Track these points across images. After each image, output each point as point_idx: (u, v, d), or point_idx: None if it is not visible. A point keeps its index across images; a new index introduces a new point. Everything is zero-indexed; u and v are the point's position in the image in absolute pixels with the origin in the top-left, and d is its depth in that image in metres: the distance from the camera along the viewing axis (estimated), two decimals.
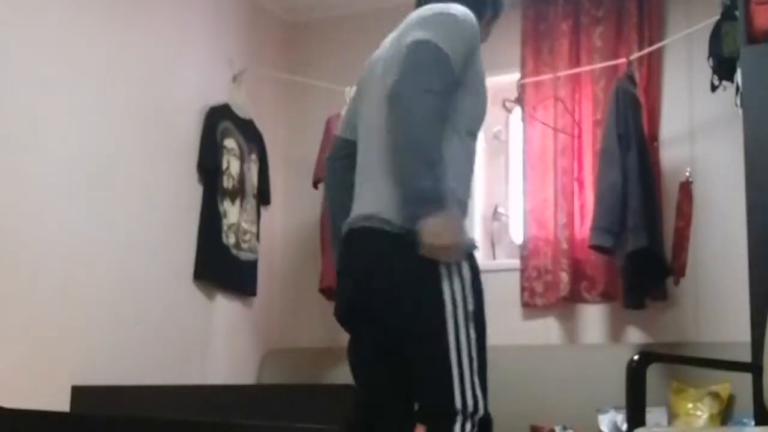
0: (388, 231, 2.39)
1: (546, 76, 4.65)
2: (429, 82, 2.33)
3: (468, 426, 2.35)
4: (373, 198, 2.46)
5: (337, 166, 2.71)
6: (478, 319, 2.39)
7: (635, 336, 4.45)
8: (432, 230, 2.27)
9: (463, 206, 2.45)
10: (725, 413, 3.98)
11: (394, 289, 2.39)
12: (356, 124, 2.64)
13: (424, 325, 2.37)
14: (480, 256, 5.03)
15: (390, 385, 2.49)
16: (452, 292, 2.36)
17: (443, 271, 2.35)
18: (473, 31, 2.49)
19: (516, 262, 4.68)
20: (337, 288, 2.63)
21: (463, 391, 2.35)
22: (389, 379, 2.49)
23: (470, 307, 2.38)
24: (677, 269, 4.25)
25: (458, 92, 2.44)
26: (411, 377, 2.42)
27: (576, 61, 4.67)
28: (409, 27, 2.57)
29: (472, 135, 2.52)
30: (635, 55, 4.46)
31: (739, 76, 3.61)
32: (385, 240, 2.40)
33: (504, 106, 4.71)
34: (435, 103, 2.33)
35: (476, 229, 4.81)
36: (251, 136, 4.89)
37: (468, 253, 2.42)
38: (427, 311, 2.36)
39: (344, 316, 2.54)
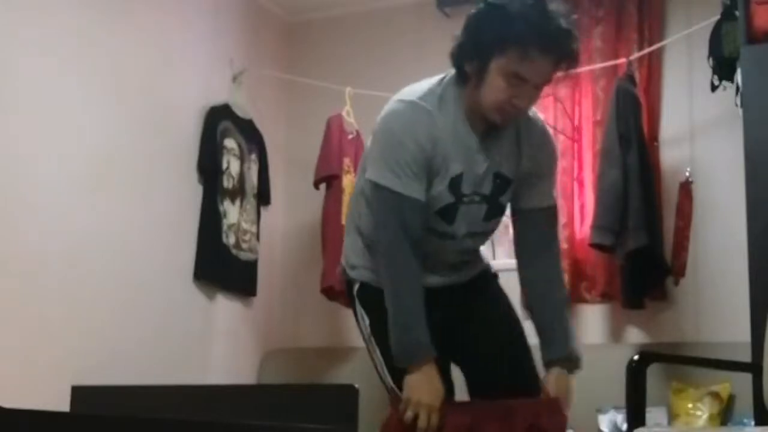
0: None
1: None
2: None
3: None
4: None
5: None
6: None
7: (635, 336, 4.45)
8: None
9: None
10: (725, 413, 3.98)
11: None
12: None
13: None
14: None
15: None
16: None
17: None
18: (416, 153, 2.37)
19: (516, 262, 4.66)
20: None
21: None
22: None
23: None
24: (677, 269, 4.25)
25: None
26: None
27: None
28: None
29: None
30: (635, 55, 4.46)
31: (739, 76, 3.61)
32: None
33: None
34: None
35: None
36: (251, 136, 4.88)
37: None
38: None
39: None
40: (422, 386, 2.33)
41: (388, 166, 2.38)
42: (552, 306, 2.55)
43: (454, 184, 2.42)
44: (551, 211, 2.62)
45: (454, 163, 2.41)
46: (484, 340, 2.57)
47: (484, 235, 2.58)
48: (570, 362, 2.49)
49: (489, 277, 2.70)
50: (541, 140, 2.56)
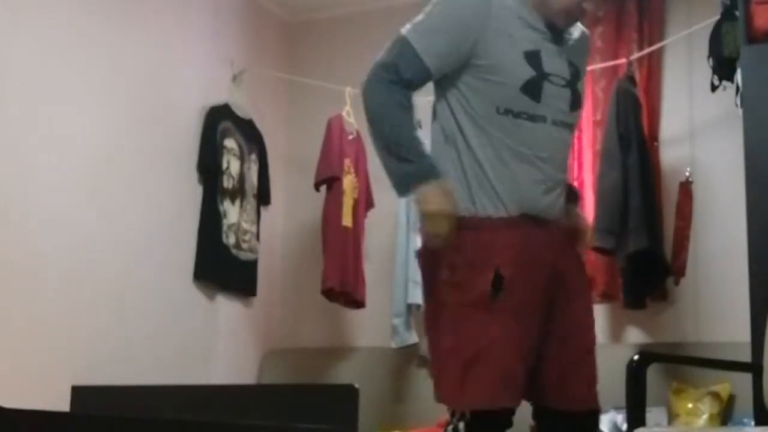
0: None
1: None
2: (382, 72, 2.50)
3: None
4: None
5: None
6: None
7: (635, 336, 4.45)
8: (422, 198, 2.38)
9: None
10: (725, 413, 3.98)
11: None
12: None
13: None
14: None
15: None
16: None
17: None
18: (468, 12, 2.41)
19: None
20: None
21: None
22: None
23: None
24: (677, 269, 4.25)
25: (463, 77, 2.42)
26: None
27: None
28: None
29: (508, 112, 2.39)
30: (635, 55, 4.46)
31: (739, 76, 3.61)
32: None
33: None
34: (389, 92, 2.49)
35: None
36: (251, 136, 4.89)
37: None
38: None
39: None
40: (435, 196, 2.35)
41: (424, 26, 2.49)
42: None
43: (533, 58, 2.41)
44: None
45: (524, 42, 2.41)
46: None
47: (570, 128, 2.52)
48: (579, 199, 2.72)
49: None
50: (587, 47, 2.65)
